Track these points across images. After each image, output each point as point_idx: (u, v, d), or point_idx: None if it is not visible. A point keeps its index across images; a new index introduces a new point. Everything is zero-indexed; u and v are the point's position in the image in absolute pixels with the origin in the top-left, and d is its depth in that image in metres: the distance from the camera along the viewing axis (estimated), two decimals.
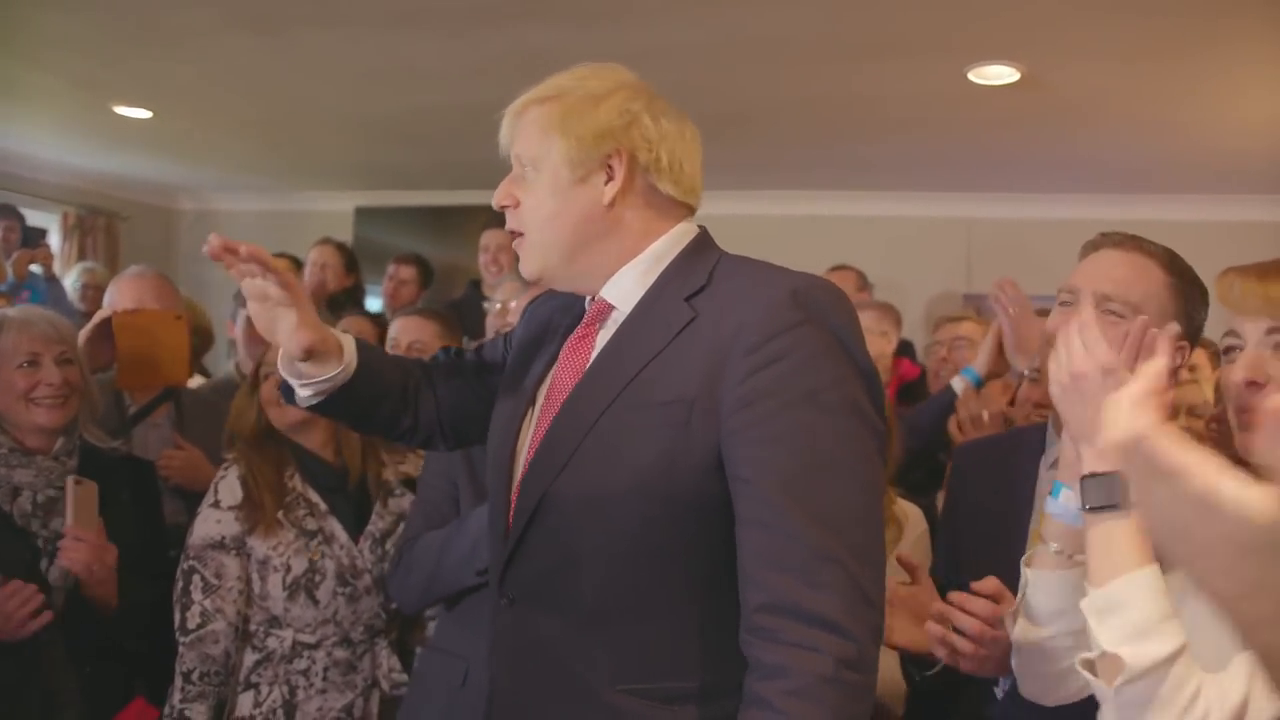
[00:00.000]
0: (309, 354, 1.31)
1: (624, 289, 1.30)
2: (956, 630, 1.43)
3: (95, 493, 2.00)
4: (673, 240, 1.31)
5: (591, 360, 1.30)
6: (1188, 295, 1.52)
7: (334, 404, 1.39)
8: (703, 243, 1.33)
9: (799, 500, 1.13)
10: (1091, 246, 1.59)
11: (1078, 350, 1.17)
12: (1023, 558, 1.30)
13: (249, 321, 3.37)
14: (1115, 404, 1.00)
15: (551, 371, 1.36)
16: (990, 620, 1.43)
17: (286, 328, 1.29)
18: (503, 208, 1.33)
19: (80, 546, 1.92)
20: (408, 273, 4.70)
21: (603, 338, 1.32)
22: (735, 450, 1.16)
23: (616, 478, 1.20)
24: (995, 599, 1.44)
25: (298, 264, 4.70)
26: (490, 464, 1.40)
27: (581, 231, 1.29)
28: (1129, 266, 1.53)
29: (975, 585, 1.46)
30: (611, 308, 1.31)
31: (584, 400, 1.25)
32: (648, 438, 1.19)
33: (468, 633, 1.79)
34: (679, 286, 1.26)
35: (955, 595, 1.45)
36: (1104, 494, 1.07)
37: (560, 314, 1.42)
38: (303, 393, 1.37)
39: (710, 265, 1.28)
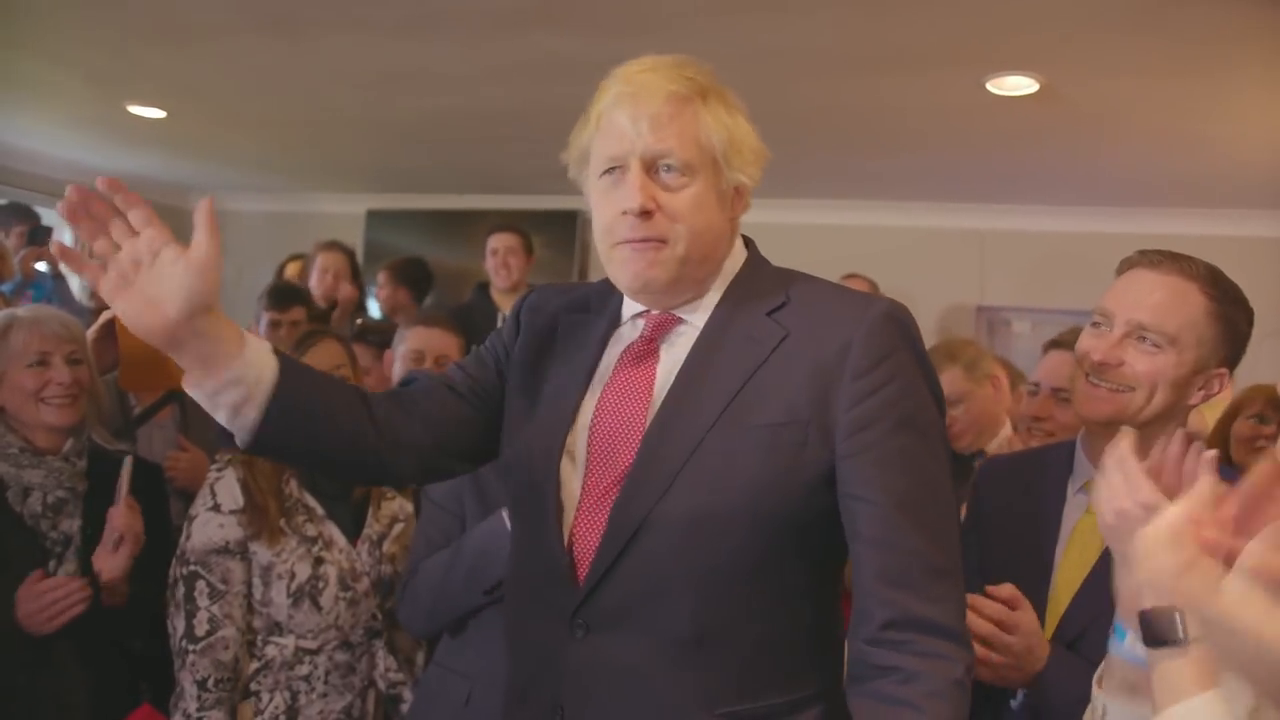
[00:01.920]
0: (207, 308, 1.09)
1: (699, 304, 1.30)
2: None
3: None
4: (736, 254, 1.33)
5: (670, 377, 1.26)
6: (1229, 318, 1.47)
7: (277, 430, 1.16)
8: (758, 256, 1.35)
9: (915, 519, 1.18)
10: (1128, 265, 1.53)
11: (1119, 486, 1.13)
12: (1094, 675, 1.24)
13: (271, 325, 3.38)
14: (1149, 539, 0.94)
15: (602, 386, 1.30)
16: (1003, 624, 1.42)
17: (175, 281, 1.05)
18: (646, 213, 1.21)
19: (135, 515, 1.99)
20: (383, 278, 4.61)
21: (668, 352, 1.29)
22: (852, 471, 1.19)
23: (727, 498, 1.19)
24: (1011, 605, 1.44)
25: None
26: (525, 482, 1.31)
27: (714, 248, 1.28)
28: (1166, 291, 1.47)
29: (991, 590, 1.45)
30: (679, 320, 1.29)
31: (681, 419, 1.22)
32: (760, 457, 1.19)
33: (471, 652, 1.77)
34: (754, 302, 1.26)
35: (969, 598, 1.41)
36: (1163, 630, 1.00)
37: (566, 313, 1.37)
38: (231, 418, 1.14)
39: (779, 282, 1.30)
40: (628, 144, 1.22)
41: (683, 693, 1.19)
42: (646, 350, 1.29)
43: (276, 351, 1.18)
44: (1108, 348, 1.48)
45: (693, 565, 1.19)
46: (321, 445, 1.23)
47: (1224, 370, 1.49)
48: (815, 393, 1.19)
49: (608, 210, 1.25)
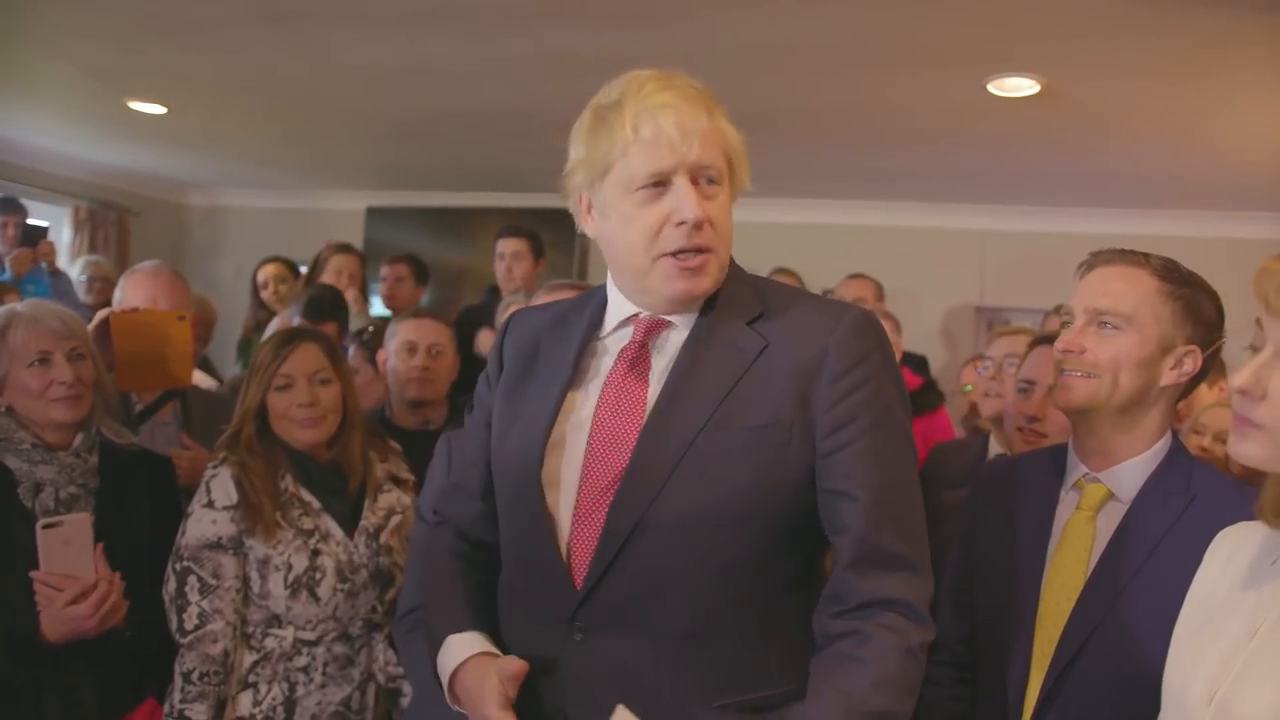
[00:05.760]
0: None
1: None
2: None
3: (84, 525, 1.88)
4: None
5: (660, 382, 1.30)
6: (1185, 298, 1.53)
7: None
8: (733, 261, 1.38)
9: (888, 511, 1.26)
10: (1086, 267, 1.62)
11: None
12: None
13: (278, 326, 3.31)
14: None
15: (594, 395, 1.33)
16: None
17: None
18: (699, 225, 1.26)
19: (43, 592, 1.85)
20: (402, 270, 4.60)
21: (658, 356, 1.33)
22: (832, 467, 1.26)
23: (717, 498, 1.24)
24: None
25: (293, 270, 4.60)
26: (512, 496, 1.37)
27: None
28: (1118, 279, 1.56)
29: None
30: (668, 324, 1.34)
31: (672, 423, 1.27)
32: (746, 459, 1.25)
33: None
34: (735, 310, 1.33)
35: None
36: None
37: (548, 332, 1.42)
38: None
39: (753, 290, 1.36)
40: (677, 157, 1.25)
41: (680, 688, 1.24)
42: (640, 354, 1.34)
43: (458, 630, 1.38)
44: (1071, 336, 1.58)
45: (686, 564, 1.25)
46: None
47: (1194, 348, 1.54)
48: (796, 396, 1.27)
49: (650, 221, 1.27)
